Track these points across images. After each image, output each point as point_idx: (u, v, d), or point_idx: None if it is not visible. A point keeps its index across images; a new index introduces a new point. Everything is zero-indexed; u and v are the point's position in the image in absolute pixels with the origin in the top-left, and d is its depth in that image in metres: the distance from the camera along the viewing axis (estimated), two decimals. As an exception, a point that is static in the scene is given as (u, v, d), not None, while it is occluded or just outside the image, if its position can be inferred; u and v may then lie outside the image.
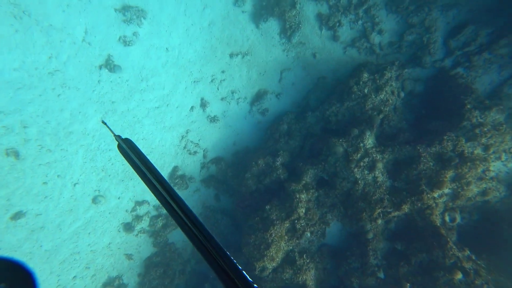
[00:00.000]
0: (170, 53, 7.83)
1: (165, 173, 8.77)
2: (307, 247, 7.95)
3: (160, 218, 8.80)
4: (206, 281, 9.21)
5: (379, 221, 6.94)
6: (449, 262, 6.38)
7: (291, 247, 7.79)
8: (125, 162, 2.04)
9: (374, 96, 7.82)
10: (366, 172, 7.25)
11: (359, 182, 7.23)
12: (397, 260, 6.70)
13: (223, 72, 8.78)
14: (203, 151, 9.23)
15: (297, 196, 7.64)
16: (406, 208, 6.73)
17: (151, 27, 7.34)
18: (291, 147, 8.96)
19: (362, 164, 7.22)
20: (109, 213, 7.86)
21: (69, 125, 6.72)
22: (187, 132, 8.79)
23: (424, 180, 6.73)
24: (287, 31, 8.75)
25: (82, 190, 7.23)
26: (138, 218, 8.45)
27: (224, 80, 8.86)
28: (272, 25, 8.75)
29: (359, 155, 7.27)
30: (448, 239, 6.61)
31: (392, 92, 7.93)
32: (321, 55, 9.27)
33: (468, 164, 6.77)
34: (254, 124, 9.70)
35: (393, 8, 8.25)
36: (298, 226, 7.50)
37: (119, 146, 1.80)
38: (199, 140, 9.08)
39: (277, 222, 7.43)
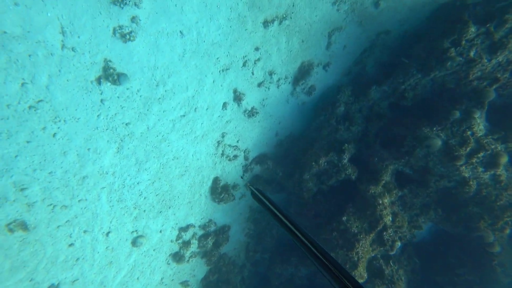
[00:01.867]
0: (187, 37, 5.40)
1: (205, 188, 7.18)
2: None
3: (210, 238, 7.57)
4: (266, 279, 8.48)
5: (508, 231, 5.48)
6: None
7: (373, 255, 6.61)
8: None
9: (486, 60, 5.52)
10: (481, 169, 5.48)
11: (470, 182, 5.53)
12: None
13: (256, 49, 6.37)
14: (244, 152, 7.45)
15: (380, 201, 6.10)
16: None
17: (154, 4, 4.81)
18: (353, 134, 7.07)
19: (474, 160, 5.41)
20: (154, 250, 6.59)
21: (80, 169, 4.90)
22: (223, 136, 6.88)
23: None
24: (341, -27, 5.97)
25: (118, 237, 5.82)
26: (185, 244, 7.22)
27: (259, 59, 6.50)
28: (319, -33, 5.95)
29: (468, 148, 5.40)
30: None
31: None
32: (386, 1, 6.59)
33: None
34: (298, 106, 7.65)
35: None
36: (386, 237, 6.15)
37: (253, 194, 2.02)
38: (237, 141, 7.21)
39: (361, 236, 6.07)
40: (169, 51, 5.28)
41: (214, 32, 5.66)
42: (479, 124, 5.34)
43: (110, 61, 4.73)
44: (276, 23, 6.28)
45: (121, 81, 4.90)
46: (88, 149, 4.91)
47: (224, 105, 6.53)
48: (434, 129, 5.65)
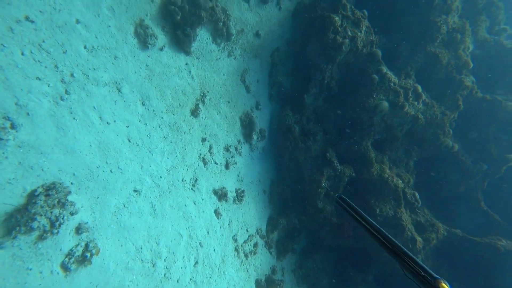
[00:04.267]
0: (144, 189, 4.33)
1: (256, 301, 6.20)
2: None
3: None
4: None
5: (451, 132, 7.19)
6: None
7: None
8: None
9: (359, 32, 6.92)
10: (415, 103, 6.96)
11: (419, 116, 6.96)
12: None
13: (203, 140, 5.83)
14: (257, 234, 6.84)
15: (385, 176, 6.93)
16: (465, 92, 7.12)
17: (88, 192, 3.58)
18: (321, 142, 7.62)
19: (410, 100, 6.81)
20: None
21: None
22: (235, 240, 6.06)
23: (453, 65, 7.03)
24: (221, 30, 6.14)
25: None
26: None
27: (211, 146, 5.99)
28: (203, 38, 5.90)
29: (403, 95, 6.76)
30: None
31: (362, 16, 7.20)
32: (262, 29, 7.26)
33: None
34: (261, 154, 7.58)
35: None
36: (409, 197, 7.04)
37: (337, 202, 2.23)
38: (247, 231, 6.52)
39: (398, 213, 6.71)
40: (139, 220, 4.10)
41: (161, 161, 4.77)
42: (391, 75, 6.78)
43: (88, 302, 3.25)
44: (200, 105, 5.88)
45: (119, 307, 3.48)
46: None
47: (216, 213, 5.71)
48: (374, 96, 6.77)
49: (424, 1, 7.68)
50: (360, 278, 7.90)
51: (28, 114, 3.24)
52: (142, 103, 4.69)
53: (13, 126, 3.10)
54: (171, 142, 5.05)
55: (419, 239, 6.60)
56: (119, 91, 4.34)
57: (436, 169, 7.97)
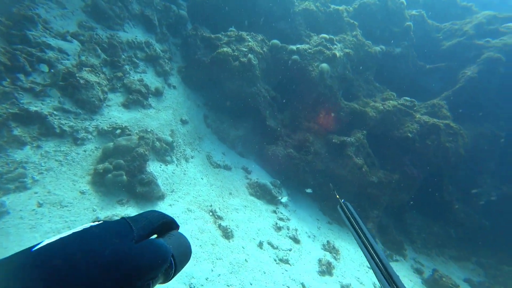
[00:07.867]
0: None
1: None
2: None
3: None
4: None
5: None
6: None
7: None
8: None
9: (249, 42, 7.06)
10: (335, 46, 7.47)
11: (347, 51, 7.50)
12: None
13: (260, 245, 4.77)
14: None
15: (372, 104, 7.12)
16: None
17: None
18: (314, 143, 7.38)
19: (332, 47, 7.30)
20: None
21: None
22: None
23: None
24: (162, 147, 5.29)
25: None
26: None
27: (269, 242, 4.97)
28: (157, 169, 4.91)
29: (324, 49, 7.17)
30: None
31: (236, 32, 7.42)
32: (182, 114, 6.71)
33: None
34: (294, 200, 6.83)
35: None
36: (406, 103, 7.39)
37: (340, 207, 1.89)
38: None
39: (419, 118, 6.92)
40: None
41: None
42: (299, 46, 7.23)
43: None
44: (221, 222, 4.81)
45: None
46: None
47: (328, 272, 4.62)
48: (310, 68, 6.98)
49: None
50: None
51: None
52: (190, 286, 3.42)
53: None
54: (251, 284, 3.84)
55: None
56: None
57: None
